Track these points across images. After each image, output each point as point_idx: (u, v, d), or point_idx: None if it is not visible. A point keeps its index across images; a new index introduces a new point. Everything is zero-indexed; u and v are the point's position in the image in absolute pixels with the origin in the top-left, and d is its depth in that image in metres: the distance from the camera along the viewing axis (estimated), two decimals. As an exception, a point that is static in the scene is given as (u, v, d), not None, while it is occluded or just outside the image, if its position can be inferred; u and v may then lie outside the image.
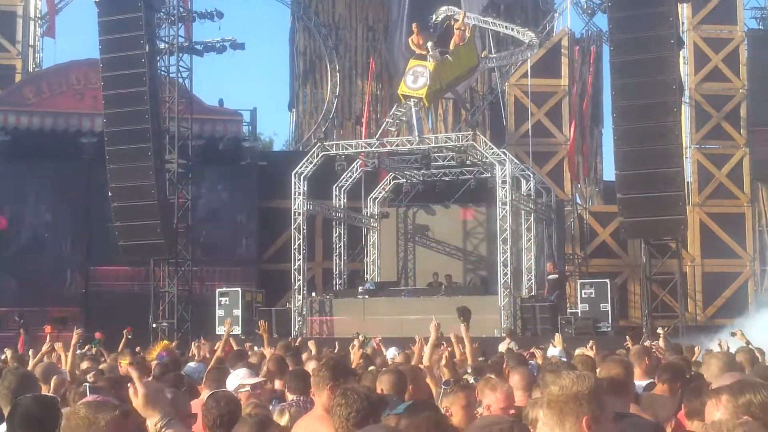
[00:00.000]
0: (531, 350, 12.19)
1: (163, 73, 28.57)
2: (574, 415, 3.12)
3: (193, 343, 15.66)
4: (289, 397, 6.75)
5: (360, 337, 13.87)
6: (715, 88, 31.53)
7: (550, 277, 25.42)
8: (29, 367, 8.82)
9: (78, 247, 31.52)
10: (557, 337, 10.92)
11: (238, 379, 6.69)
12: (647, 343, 16.09)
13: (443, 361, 8.18)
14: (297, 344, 16.05)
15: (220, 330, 22.67)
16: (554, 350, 12.36)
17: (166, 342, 17.12)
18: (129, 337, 16.90)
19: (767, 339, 12.77)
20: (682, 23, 30.51)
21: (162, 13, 28.78)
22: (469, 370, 8.62)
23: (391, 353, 12.49)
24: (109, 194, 26.81)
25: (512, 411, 5.51)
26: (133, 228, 26.66)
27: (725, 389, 3.54)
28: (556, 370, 5.95)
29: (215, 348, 12.81)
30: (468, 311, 9.98)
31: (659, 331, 16.08)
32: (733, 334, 12.28)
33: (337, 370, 5.57)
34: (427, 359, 8.93)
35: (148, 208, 26.44)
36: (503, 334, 20.87)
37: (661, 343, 14.64)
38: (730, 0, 31.70)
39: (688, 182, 29.37)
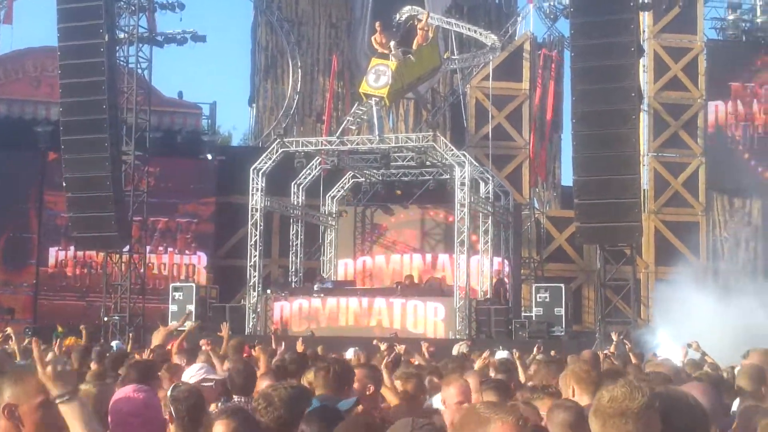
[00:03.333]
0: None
1: (122, 63, 28.22)
2: (616, 429, 3.04)
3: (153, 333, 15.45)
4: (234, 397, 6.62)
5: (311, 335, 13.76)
6: (674, 97, 31.85)
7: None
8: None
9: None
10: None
11: (200, 373, 6.52)
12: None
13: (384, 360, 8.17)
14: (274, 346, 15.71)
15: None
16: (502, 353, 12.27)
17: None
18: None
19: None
20: (643, 31, 30.76)
21: (122, 3, 28.43)
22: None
23: (350, 354, 12.26)
24: (64, 184, 26.44)
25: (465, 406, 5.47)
26: (87, 219, 26.32)
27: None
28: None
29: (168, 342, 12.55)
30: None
31: (613, 336, 16.19)
32: (689, 345, 12.25)
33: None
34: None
35: (103, 199, 26.10)
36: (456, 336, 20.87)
37: (612, 348, 14.73)
38: (690, 10, 32.03)
39: (644, 189, 29.61)
